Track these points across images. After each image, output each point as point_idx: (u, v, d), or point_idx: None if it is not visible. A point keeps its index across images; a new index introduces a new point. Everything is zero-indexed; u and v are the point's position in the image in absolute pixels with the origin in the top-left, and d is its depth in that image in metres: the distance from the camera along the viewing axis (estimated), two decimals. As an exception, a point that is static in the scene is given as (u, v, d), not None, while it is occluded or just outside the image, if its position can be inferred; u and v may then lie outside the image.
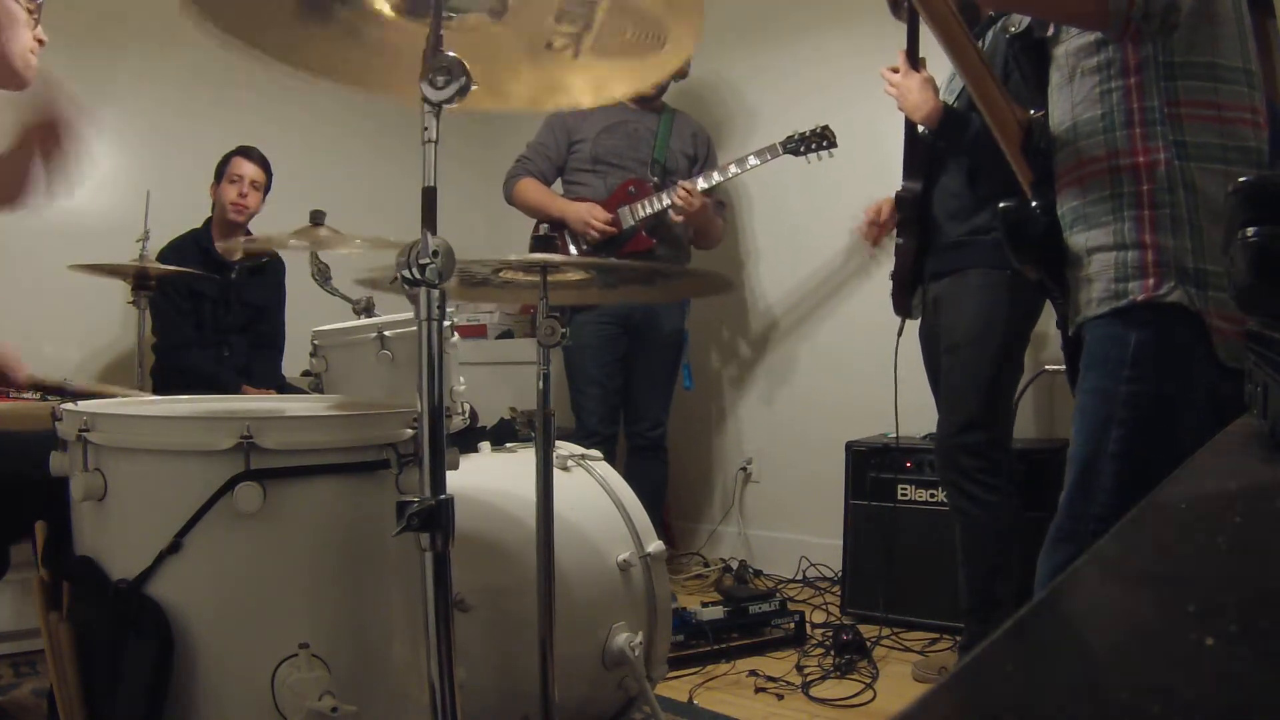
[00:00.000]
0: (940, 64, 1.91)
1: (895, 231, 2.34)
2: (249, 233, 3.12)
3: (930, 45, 2.05)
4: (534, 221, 3.21)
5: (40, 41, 1.57)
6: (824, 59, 3.35)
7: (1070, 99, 1.38)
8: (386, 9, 1.13)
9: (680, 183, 2.99)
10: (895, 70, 2.16)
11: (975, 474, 2.16)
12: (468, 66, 1.00)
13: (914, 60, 2.16)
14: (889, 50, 2.20)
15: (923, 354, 2.36)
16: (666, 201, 3.00)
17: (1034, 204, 1.45)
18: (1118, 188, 1.31)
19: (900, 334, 2.44)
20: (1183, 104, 1.27)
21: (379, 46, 1.19)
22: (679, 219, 3.00)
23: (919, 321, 2.38)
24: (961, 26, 1.48)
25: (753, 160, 2.99)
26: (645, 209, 3.03)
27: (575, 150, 3.16)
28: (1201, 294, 1.24)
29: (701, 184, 2.99)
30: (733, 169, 3.01)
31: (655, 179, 3.10)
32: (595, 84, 1.34)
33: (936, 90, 2.12)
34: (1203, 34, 1.27)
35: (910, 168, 2.25)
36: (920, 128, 2.19)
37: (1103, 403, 1.30)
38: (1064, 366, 1.52)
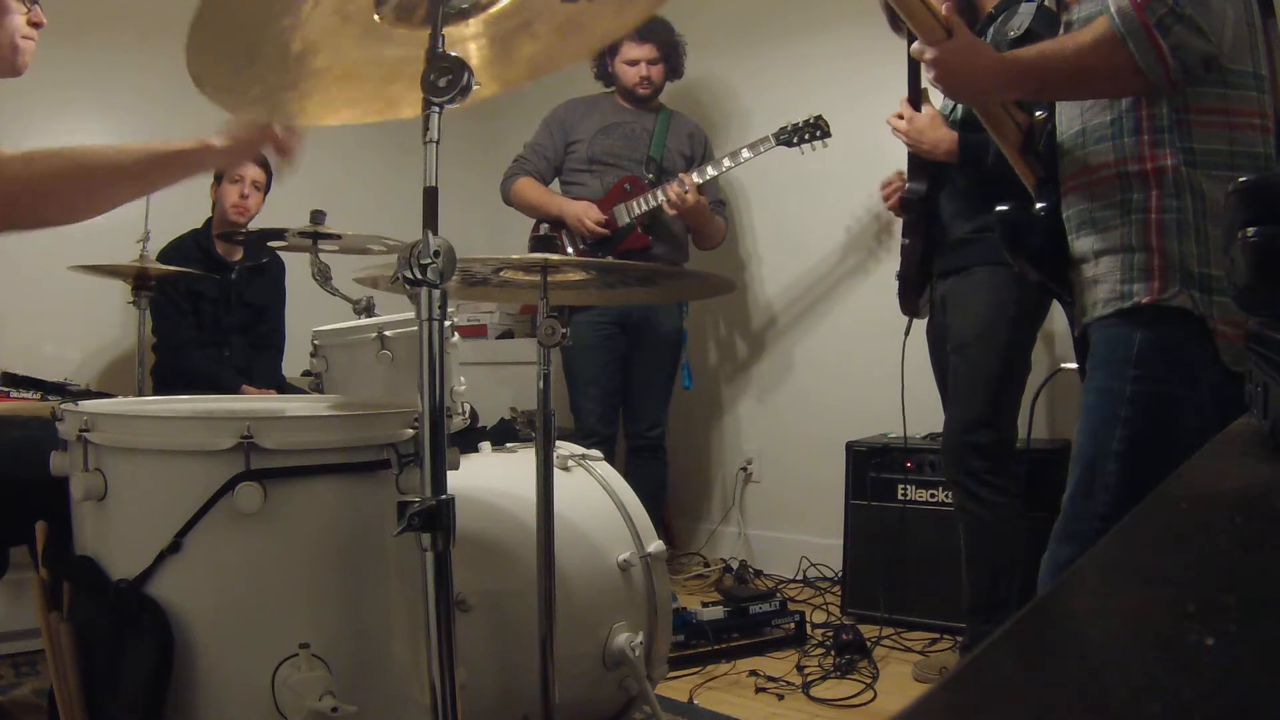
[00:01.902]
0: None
1: (901, 232, 2.34)
2: (249, 234, 3.13)
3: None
4: (533, 221, 3.21)
5: (36, 25, 1.51)
6: (820, 60, 3.35)
7: (1079, 104, 1.38)
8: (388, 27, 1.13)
9: (680, 175, 2.98)
10: (900, 116, 2.18)
11: (983, 474, 2.15)
12: (469, 62, 1.00)
13: (915, 99, 2.18)
14: (885, 53, 2.20)
15: (930, 353, 2.35)
16: (662, 198, 2.99)
17: (1038, 205, 1.46)
18: (1126, 193, 1.31)
19: (907, 334, 2.43)
20: (1192, 110, 1.27)
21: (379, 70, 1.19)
22: (674, 214, 3.00)
23: (926, 321, 2.38)
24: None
25: (746, 153, 2.98)
26: (640, 206, 3.02)
27: (572, 150, 3.16)
28: (1205, 298, 1.25)
29: (695, 178, 2.98)
30: (726, 162, 3.00)
31: (651, 176, 3.10)
32: (618, 16, 1.30)
33: (945, 123, 2.14)
34: None
35: (915, 170, 2.25)
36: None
37: (1107, 402, 1.30)
38: (1077, 365, 1.53)
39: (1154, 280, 1.28)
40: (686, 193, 2.92)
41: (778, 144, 2.98)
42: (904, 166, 2.28)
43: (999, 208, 1.47)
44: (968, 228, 2.20)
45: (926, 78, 1.44)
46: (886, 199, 2.35)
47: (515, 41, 1.23)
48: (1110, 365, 1.32)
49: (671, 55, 3.15)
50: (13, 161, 1.33)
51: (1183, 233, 1.26)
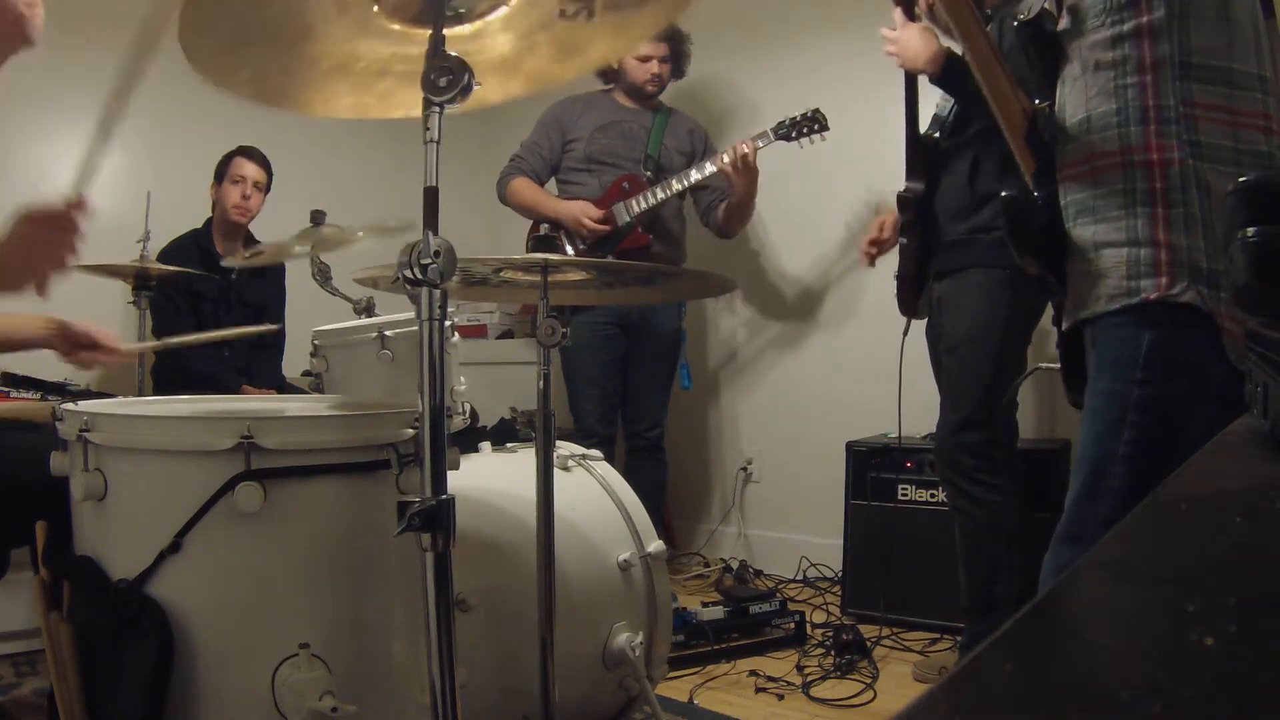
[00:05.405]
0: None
1: (899, 231, 2.34)
2: (250, 235, 3.13)
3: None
4: (532, 221, 3.21)
5: None
6: (823, 60, 3.35)
7: (1085, 91, 1.37)
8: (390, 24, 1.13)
9: (738, 141, 2.92)
10: (893, 29, 2.16)
11: (974, 473, 2.16)
12: (470, 65, 1.00)
13: (910, 11, 2.14)
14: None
15: (929, 353, 2.36)
16: (660, 196, 2.98)
17: (1035, 194, 1.44)
18: (1130, 183, 1.30)
19: (906, 334, 2.43)
20: (1198, 105, 1.26)
21: (380, 70, 1.19)
22: (732, 175, 2.91)
23: (926, 321, 2.38)
24: (971, 9, 1.47)
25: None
26: (640, 204, 3.01)
27: (570, 149, 3.15)
28: (1213, 294, 1.24)
29: (695, 175, 2.97)
30: (725, 157, 2.99)
31: (649, 174, 3.09)
32: (616, 37, 1.30)
33: (936, 36, 2.10)
34: (1219, 38, 1.26)
35: (912, 168, 2.25)
36: (923, 127, 2.20)
37: (1114, 405, 1.29)
38: (1059, 364, 1.52)
39: (1161, 276, 1.27)
40: (746, 154, 2.87)
41: (776, 139, 2.96)
42: (902, 171, 2.28)
43: (1004, 193, 1.45)
44: (962, 228, 2.20)
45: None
46: (865, 252, 2.44)
47: (514, 53, 1.23)
48: (1117, 367, 1.30)
49: (679, 55, 3.16)
50: None
51: (1190, 227, 1.25)
